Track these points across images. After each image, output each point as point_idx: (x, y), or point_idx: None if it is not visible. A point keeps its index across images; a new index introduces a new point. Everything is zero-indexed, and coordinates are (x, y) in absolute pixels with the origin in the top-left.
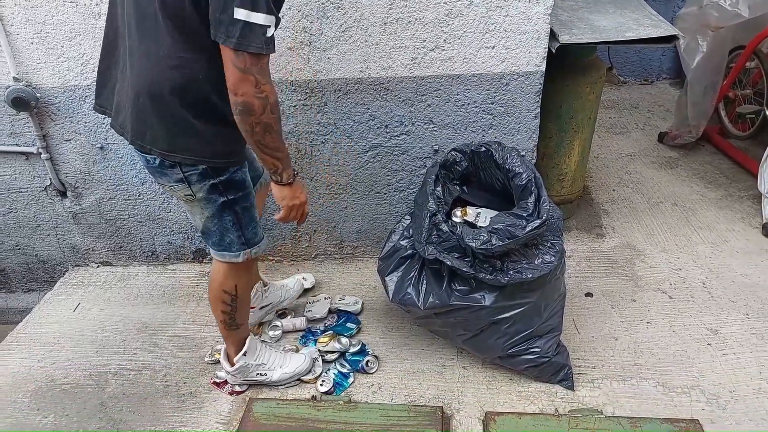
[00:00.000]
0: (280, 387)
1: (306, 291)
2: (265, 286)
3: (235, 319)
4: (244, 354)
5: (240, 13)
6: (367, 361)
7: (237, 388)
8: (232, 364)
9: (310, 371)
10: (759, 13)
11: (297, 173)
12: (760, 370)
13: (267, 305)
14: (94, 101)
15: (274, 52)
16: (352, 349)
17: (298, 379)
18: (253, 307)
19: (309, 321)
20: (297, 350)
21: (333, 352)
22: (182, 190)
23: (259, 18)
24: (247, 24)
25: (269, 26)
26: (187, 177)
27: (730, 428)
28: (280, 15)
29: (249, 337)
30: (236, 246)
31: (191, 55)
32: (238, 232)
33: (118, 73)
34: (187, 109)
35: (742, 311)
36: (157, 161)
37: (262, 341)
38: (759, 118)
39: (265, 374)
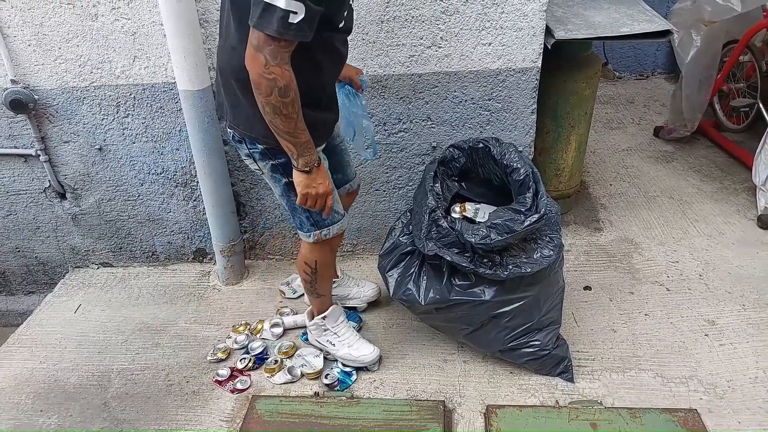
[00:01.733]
0: (344, 362)
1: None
2: (336, 277)
3: (316, 289)
4: (324, 317)
5: None
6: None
7: (239, 386)
8: (311, 320)
9: (375, 364)
10: (751, 7)
11: (320, 163)
12: (757, 359)
13: (333, 296)
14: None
15: (297, 39)
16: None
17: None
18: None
19: None
20: (297, 347)
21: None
22: (252, 165)
23: (280, 2)
24: (267, 6)
25: (293, 12)
26: (251, 153)
27: (728, 417)
28: (320, 4)
29: (334, 306)
30: (306, 226)
31: (246, 34)
32: (306, 213)
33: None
34: (241, 89)
35: (739, 302)
36: (231, 134)
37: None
38: (753, 111)
39: (334, 345)
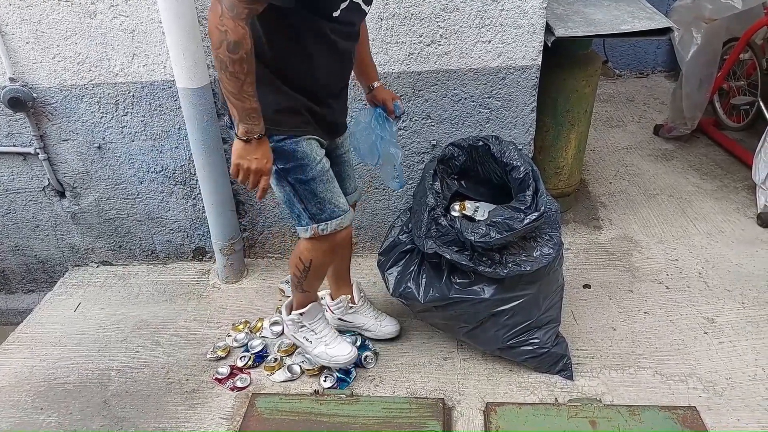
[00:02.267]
0: (316, 361)
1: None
2: (353, 303)
3: (302, 285)
4: (301, 314)
5: None
6: (365, 357)
7: (239, 384)
8: (289, 314)
9: (350, 364)
10: (752, 4)
11: (262, 136)
12: (756, 357)
13: (346, 322)
14: None
15: (263, 1)
16: (356, 344)
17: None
18: (333, 313)
19: None
20: (297, 345)
21: None
22: None
23: None
24: None
25: None
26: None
27: (727, 414)
28: None
29: (314, 303)
30: (304, 219)
31: None
32: (301, 204)
33: None
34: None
35: (738, 300)
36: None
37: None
38: (753, 109)
39: (311, 342)
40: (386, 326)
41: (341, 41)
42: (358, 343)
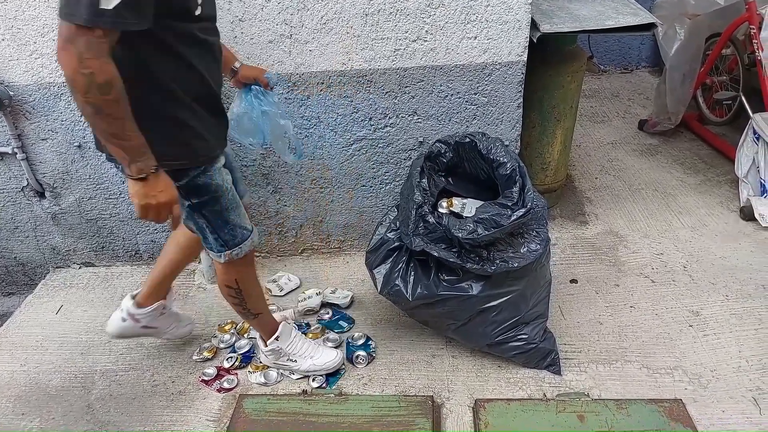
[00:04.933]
0: (307, 375)
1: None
2: (164, 308)
3: (249, 309)
4: (277, 338)
5: None
6: (357, 356)
7: (225, 385)
8: (266, 345)
9: (341, 365)
10: (734, 0)
11: (157, 168)
12: (740, 349)
13: (151, 327)
14: None
15: (118, 28)
16: (358, 342)
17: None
18: (137, 321)
19: (303, 314)
20: None
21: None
22: None
23: None
24: None
25: None
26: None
27: (712, 406)
28: None
29: (283, 323)
30: (216, 247)
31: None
32: (214, 234)
33: None
34: None
35: (722, 293)
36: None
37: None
38: (735, 104)
39: (296, 361)
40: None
41: (211, 38)
42: (360, 342)
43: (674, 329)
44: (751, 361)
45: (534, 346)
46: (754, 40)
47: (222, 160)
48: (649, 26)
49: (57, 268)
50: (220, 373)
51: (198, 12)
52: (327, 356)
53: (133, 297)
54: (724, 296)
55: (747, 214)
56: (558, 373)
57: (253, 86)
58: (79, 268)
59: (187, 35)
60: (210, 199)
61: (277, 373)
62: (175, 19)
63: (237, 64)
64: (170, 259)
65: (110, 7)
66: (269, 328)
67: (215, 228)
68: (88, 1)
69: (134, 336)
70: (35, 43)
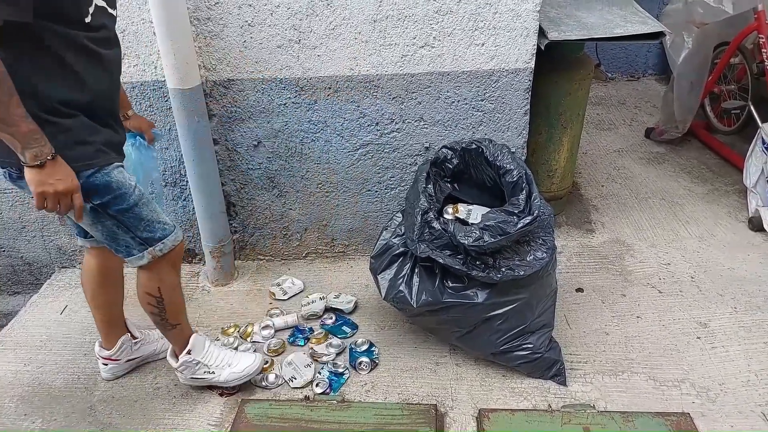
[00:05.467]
0: (228, 386)
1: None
2: (134, 338)
3: (168, 320)
4: (188, 352)
5: None
6: (360, 362)
7: (226, 389)
8: (177, 360)
9: (260, 372)
10: (743, 9)
11: (54, 155)
12: (749, 362)
13: (135, 358)
14: None
15: (7, 17)
16: (361, 348)
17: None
18: (117, 360)
19: (306, 318)
20: (285, 347)
21: (327, 354)
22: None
23: None
24: None
25: None
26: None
27: (720, 420)
28: None
29: (194, 335)
30: (135, 248)
31: None
32: (129, 234)
33: None
34: None
35: (730, 305)
36: (7, 174)
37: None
38: (744, 113)
39: (213, 372)
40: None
41: (103, 50)
42: (364, 348)
43: (682, 341)
44: (761, 375)
45: (539, 355)
46: (763, 50)
47: (120, 164)
48: (657, 35)
49: (62, 268)
50: None
51: (88, 20)
52: (245, 361)
53: (98, 345)
54: (733, 308)
55: (755, 224)
56: (563, 383)
57: (138, 136)
58: None
59: (74, 43)
60: (114, 198)
61: (275, 376)
62: (63, 24)
63: (130, 112)
64: (103, 302)
65: None
66: (184, 339)
67: (129, 227)
68: None
69: (129, 369)
70: None
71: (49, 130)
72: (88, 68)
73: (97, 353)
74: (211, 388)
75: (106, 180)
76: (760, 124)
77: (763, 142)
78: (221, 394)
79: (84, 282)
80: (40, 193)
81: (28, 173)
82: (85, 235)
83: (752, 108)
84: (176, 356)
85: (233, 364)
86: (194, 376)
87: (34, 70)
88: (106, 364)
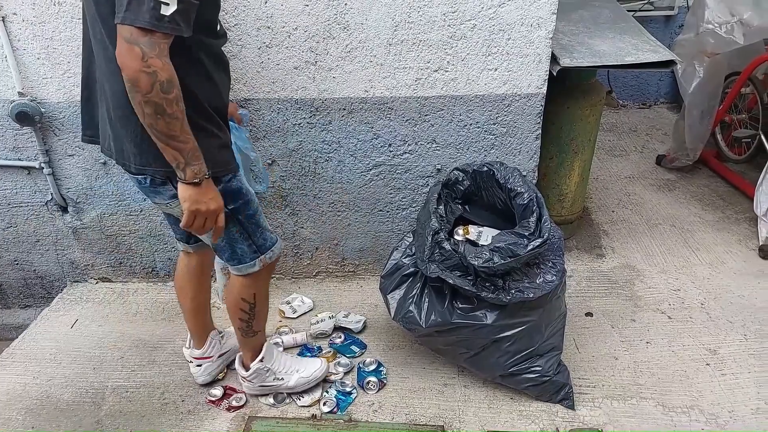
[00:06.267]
0: (295, 390)
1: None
2: (220, 333)
3: (252, 327)
4: (261, 360)
5: None
6: (368, 382)
7: (234, 403)
8: (248, 369)
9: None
10: (753, 40)
11: (209, 174)
12: (758, 390)
13: (226, 352)
14: (81, 134)
15: (173, 33)
16: (370, 368)
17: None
18: (210, 357)
19: (314, 337)
20: None
21: (335, 373)
22: (179, 207)
23: None
24: None
25: (165, 3)
26: (155, 187)
27: None
28: (200, 2)
29: (266, 343)
30: (249, 256)
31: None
32: (248, 240)
33: (98, 98)
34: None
35: (740, 332)
36: (148, 180)
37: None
38: (754, 142)
39: (282, 378)
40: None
41: (225, 56)
42: (372, 368)
43: (691, 367)
44: None
45: (548, 378)
46: None
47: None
48: (669, 63)
49: (74, 282)
50: (227, 392)
51: (218, 28)
52: (312, 366)
53: (188, 347)
54: (743, 335)
55: (766, 252)
56: (571, 407)
57: (229, 121)
58: (96, 283)
59: (210, 49)
60: (243, 204)
61: (283, 394)
62: (203, 33)
63: None
64: (202, 301)
65: (168, 13)
66: (258, 347)
67: (249, 233)
68: (150, 7)
69: (224, 367)
70: (69, 62)
71: (202, 135)
72: (220, 74)
73: (189, 356)
74: (224, 406)
75: (238, 185)
76: None
77: None
78: (228, 409)
79: (183, 285)
80: (193, 210)
81: (183, 190)
82: (188, 240)
83: (763, 137)
84: (244, 365)
85: (301, 369)
86: (264, 384)
87: (190, 79)
88: (200, 365)
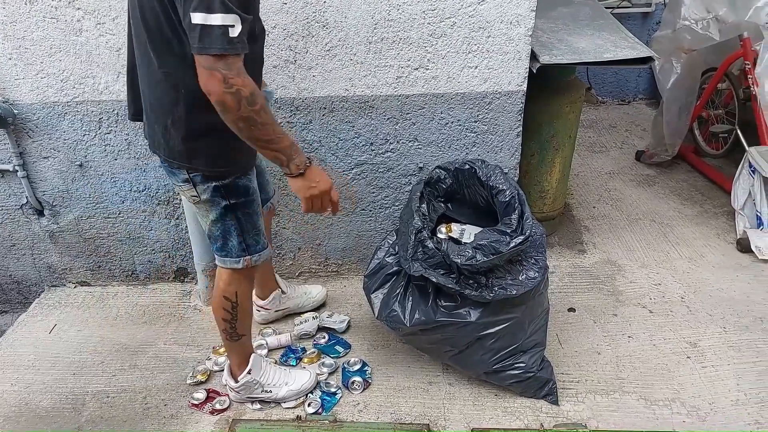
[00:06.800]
0: (285, 402)
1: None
2: (283, 293)
3: (236, 329)
4: (249, 372)
5: (196, 18)
6: (353, 382)
7: (218, 406)
8: (237, 381)
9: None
10: (729, 36)
11: (310, 160)
12: (738, 382)
13: (283, 309)
14: (129, 113)
15: (243, 51)
16: (354, 367)
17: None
18: (269, 309)
19: (299, 338)
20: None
21: (320, 374)
22: (189, 191)
23: (216, 19)
24: (204, 27)
25: (231, 25)
26: (192, 178)
27: None
28: (248, 13)
29: (253, 354)
30: (237, 252)
31: (170, 68)
32: (240, 237)
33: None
34: (179, 120)
35: (719, 325)
36: (166, 162)
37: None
38: (731, 137)
39: (271, 391)
40: (316, 294)
41: (261, 53)
42: (356, 368)
43: (672, 360)
44: (750, 394)
45: (531, 374)
46: (749, 76)
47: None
48: (647, 60)
49: (52, 286)
50: (210, 395)
51: (256, 30)
52: (301, 378)
53: (257, 294)
54: (722, 328)
55: (744, 246)
56: (555, 403)
57: None
58: (75, 287)
59: (255, 56)
60: (246, 201)
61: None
62: (250, 41)
63: None
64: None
65: (236, 35)
66: (244, 355)
67: (243, 230)
68: (220, 34)
69: (277, 318)
70: (42, 62)
71: (228, 137)
72: (255, 74)
73: (254, 301)
74: (207, 410)
75: (247, 184)
76: (747, 147)
77: (750, 166)
78: (212, 413)
79: None
80: (309, 197)
81: (293, 183)
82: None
83: (739, 132)
84: (233, 376)
85: (290, 381)
86: (251, 396)
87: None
88: (259, 311)
